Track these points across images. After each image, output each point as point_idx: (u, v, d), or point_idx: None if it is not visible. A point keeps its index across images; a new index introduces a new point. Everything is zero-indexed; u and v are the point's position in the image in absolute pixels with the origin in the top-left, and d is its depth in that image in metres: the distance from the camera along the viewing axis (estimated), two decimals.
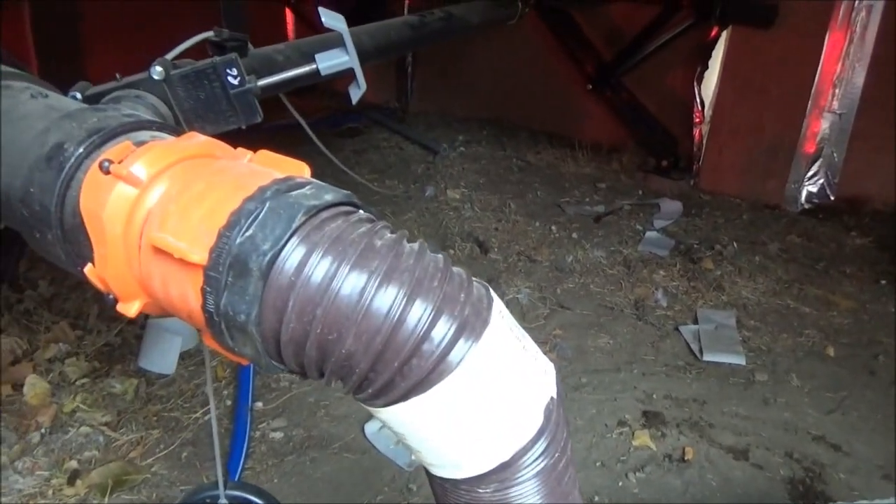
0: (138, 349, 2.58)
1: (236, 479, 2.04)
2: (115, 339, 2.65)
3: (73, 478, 2.03)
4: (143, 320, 2.69)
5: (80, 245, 0.76)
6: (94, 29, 4.26)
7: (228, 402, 2.41)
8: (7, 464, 2.07)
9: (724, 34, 4.07)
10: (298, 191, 0.68)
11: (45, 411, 2.26)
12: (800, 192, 4.08)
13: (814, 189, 4.07)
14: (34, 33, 4.01)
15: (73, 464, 2.09)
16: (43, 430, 2.20)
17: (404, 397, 0.66)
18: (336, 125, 5.25)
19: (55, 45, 4.00)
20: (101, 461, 2.12)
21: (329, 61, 1.28)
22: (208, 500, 1.15)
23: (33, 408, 2.28)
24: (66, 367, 2.46)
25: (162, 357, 2.54)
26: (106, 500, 1.97)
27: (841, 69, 3.79)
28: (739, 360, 2.75)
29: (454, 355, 0.65)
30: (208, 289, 0.65)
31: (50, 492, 1.99)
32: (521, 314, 3.01)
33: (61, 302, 2.84)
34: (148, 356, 2.55)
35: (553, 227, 3.84)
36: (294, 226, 0.64)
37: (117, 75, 1.12)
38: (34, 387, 2.33)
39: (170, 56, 1.19)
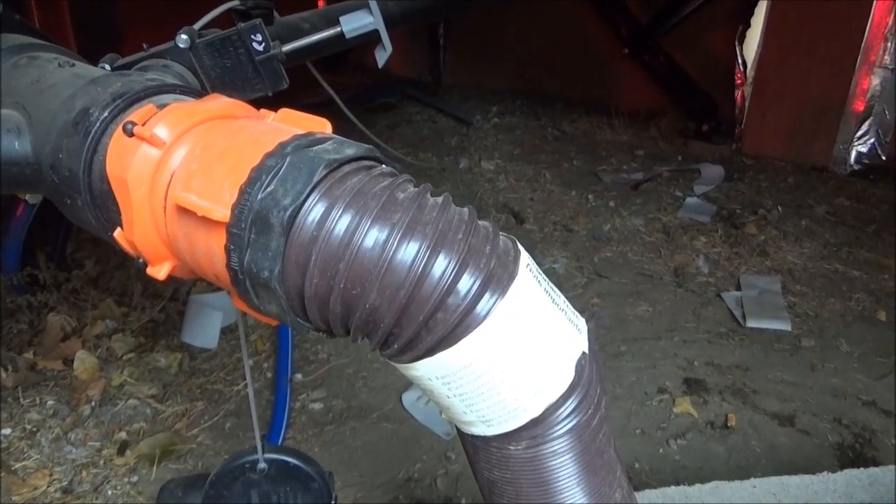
0: (181, 324, 2.64)
1: None
2: (158, 315, 2.71)
3: (122, 448, 2.10)
4: (184, 296, 2.75)
5: (108, 209, 0.76)
6: (130, 13, 4.32)
7: (269, 375, 2.45)
8: (61, 435, 2.15)
9: None
10: (319, 146, 0.67)
11: (95, 385, 2.33)
12: (849, 153, 3.93)
13: (864, 149, 3.91)
14: (72, 21, 4.09)
15: (123, 435, 2.16)
16: (93, 403, 2.28)
17: (430, 352, 0.65)
18: (368, 100, 5.24)
19: (93, 31, 4.07)
20: (148, 432, 2.18)
21: (353, 23, 1.27)
22: (247, 465, 1.17)
23: (83, 382, 2.36)
24: (112, 343, 2.53)
25: (204, 332, 2.60)
26: (154, 469, 2.04)
27: (894, 21, 3.60)
28: (785, 326, 2.67)
29: (480, 308, 0.63)
30: (232, 246, 0.65)
31: (101, 462, 2.07)
32: (558, 284, 2.92)
33: (107, 280, 2.91)
34: (190, 331, 2.61)
35: (590, 196, 3.77)
36: (315, 180, 0.63)
37: (144, 46, 1.13)
38: (83, 362, 2.41)
39: (196, 26, 1.19)
